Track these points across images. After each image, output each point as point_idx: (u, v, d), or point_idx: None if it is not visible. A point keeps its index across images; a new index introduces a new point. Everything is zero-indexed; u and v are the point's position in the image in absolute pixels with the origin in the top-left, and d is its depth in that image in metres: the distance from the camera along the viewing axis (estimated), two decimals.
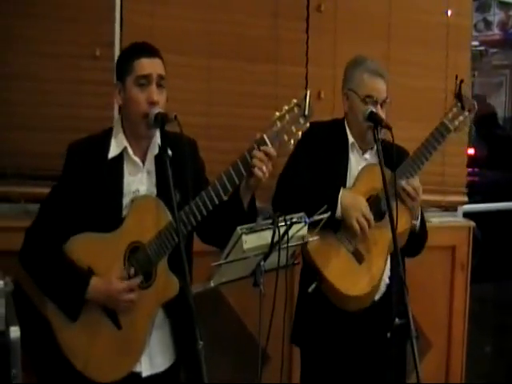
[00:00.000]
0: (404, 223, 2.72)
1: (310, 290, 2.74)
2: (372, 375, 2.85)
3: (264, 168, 2.26)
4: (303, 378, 2.96)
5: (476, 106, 2.82)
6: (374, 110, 2.73)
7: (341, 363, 2.85)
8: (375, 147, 2.80)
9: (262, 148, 2.27)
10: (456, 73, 3.96)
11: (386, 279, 2.81)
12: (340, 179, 2.82)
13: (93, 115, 3.27)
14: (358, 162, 2.87)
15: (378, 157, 2.64)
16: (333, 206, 2.67)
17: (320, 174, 2.81)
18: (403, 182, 2.72)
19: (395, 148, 2.74)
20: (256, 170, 2.27)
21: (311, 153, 2.84)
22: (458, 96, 2.82)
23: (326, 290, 2.75)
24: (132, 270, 2.33)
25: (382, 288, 2.81)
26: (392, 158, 2.70)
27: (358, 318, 2.76)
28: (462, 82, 2.85)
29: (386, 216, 2.66)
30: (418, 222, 2.82)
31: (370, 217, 2.71)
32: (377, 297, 2.80)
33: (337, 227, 2.75)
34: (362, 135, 2.82)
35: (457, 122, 2.81)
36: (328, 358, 2.85)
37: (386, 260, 2.76)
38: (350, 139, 2.87)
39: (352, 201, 2.72)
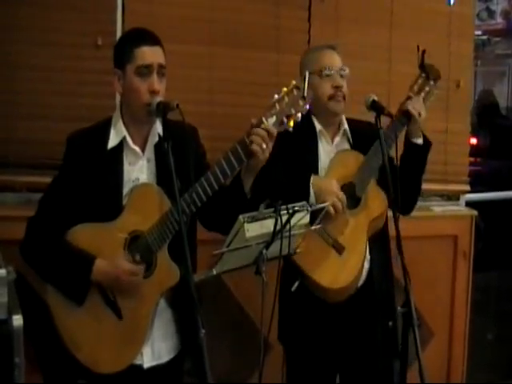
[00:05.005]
0: (378, 207, 2.73)
1: (293, 289, 2.69)
2: (362, 362, 2.86)
3: (263, 145, 2.22)
4: (289, 376, 2.91)
5: (440, 74, 2.81)
6: (375, 98, 2.71)
7: (329, 357, 2.84)
8: (341, 131, 2.83)
9: (262, 126, 2.23)
10: (459, 61, 4.01)
11: (365, 265, 2.78)
12: (311, 169, 2.78)
13: (94, 104, 3.26)
14: (328, 149, 2.84)
15: (381, 144, 2.59)
16: (305, 194, 2.65)
17: (292, 166, 2.76)
18: (408, 105, 2.73)
19: (368, 126, 2.79)
20: (254, 147, 2.22)
21: (282, 146, 2.79)
22: (422, 66, 2.80)
23: (310, 285, 2.71)
24: (138, 256, 2.32)
25: (364, 274, 2.79)
26: (366, 137, 2.73)
27: (342, 308, 2.75)
28: (424, 51, 2.83)
29: (361, 202, 2.70)
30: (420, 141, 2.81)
31: (343, 197, 2.67)
32: (359, 283, 2.78)
33: (313, 219, 2.73)
34: (326, 113, 2.80)
35: (423, 94, 2.82)
36: (315, 354, 2.82)
37: (366, 245, 2.75)
38: (318, 127, 2.84)
39: (323, 184, 2.68)
